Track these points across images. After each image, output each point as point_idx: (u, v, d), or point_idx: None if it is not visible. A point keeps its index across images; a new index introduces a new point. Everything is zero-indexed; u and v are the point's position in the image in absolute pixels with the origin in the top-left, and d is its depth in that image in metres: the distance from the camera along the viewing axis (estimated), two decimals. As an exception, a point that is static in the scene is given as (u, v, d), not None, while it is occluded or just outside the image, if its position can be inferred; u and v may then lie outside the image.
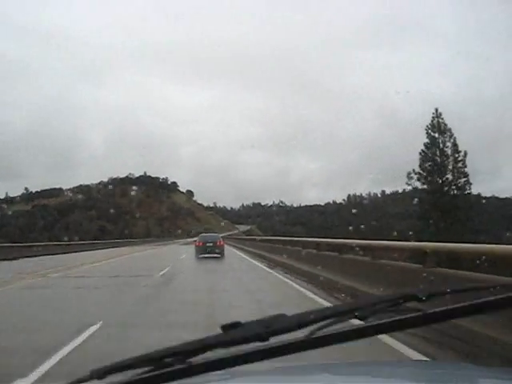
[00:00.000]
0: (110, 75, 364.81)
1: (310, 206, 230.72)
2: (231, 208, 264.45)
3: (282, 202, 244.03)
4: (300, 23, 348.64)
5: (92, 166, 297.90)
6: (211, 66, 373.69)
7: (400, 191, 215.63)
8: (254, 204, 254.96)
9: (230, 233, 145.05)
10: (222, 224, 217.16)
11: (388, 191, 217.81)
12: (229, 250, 39.31)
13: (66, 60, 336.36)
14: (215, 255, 29.33)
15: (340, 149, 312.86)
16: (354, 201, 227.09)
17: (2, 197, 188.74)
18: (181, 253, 37.96)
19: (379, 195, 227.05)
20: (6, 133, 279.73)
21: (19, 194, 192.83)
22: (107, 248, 58.21)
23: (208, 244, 29.85)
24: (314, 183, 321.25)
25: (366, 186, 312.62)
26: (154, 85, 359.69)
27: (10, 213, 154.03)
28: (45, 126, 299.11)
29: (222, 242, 31.10)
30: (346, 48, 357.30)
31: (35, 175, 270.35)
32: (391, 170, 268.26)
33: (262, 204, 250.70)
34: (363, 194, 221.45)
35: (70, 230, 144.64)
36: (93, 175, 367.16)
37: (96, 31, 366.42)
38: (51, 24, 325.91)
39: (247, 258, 31.64)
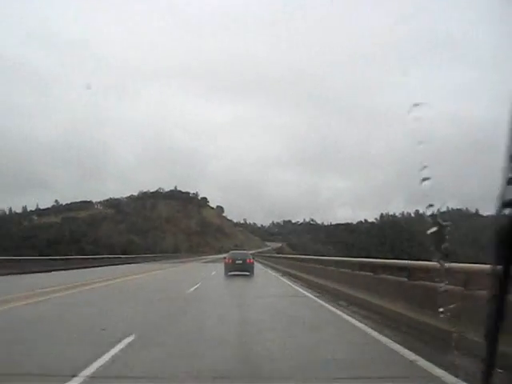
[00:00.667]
0: (142, 90, 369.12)
1: (342, 225, 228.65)
2: (261, 225, 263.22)
3: (312, 219, 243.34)
4: (331, 41, 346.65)
5: (122, 179, 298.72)
6: (244, 83, 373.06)
7: (435, 212, 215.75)
8: (284, 222, 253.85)
9: (260, 250, 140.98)
10: (252, 241, 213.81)
11: (422, 210, 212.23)
12: (260, 268, 37.63)
13: (98, 75, 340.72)
14: (244, 273, 28.56)
15: (371, 167, 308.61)
16: (387, 220, 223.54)
17: (33, 208, 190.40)
18: (206, 272, 33.80)
19: (413, 215, 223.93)
20: (38, 146, 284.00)
21: (50, 205, 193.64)
22: (131, 263, 55.00)
23: (237, 261, 29.19)
24: (345, 202, 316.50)
25: (399, 205, 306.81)
26: (185, 101, 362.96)
27: (38, 224, 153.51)
28: (76, 139, 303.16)
29: (251, 260, 30.37)
30: (378, 66, 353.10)
31: (66, 188, 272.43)
32: (425, 190, 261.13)
33: (293, 222, 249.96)
34: (396, 214, 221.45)
35: (99, 242, 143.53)
36: (123, 189, 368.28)
37: (128, 47, 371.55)
38: (84, 38, 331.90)
39: (283, 279, 28.05)
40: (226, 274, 28.44)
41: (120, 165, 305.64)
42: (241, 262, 29.09)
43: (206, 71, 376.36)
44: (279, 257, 56.96)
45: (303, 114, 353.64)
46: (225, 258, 31.63)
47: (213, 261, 67.13)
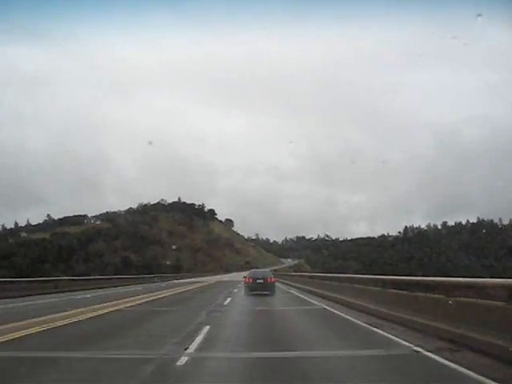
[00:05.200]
0: (139, 98, 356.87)
1: (363, 239, 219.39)
2: (274, 241, 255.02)
3: (327, 235, 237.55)
4: (345, 44, 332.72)
5: (121, 191, 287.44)
6: (256, 93, 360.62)
7: (464, 222, 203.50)
8: (297, 237, 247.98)
9: (276, 267, 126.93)
10: (266, 257, 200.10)
11: (450, 223, 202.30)
12: (283, 290, 34.84)
13: (93, 80, 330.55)
14: (265, 292, 27.74)
15: (390, 178, 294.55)
16: (411, 233, 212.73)
17: (23, 224, 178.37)
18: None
19: (439, 227, 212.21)
20: (29, 157, 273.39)
21: (41, 221, 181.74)
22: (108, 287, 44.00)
23: (258, 281, 28.63)
24: (362, 216, 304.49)
25: (423, 217, 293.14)
26: (191, 109, 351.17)
27: (23, 241, 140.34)
28: (70, 149, 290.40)
29: (273, 279, 29.90)
30: (396, 69, 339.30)
31: (59, 201, 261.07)
32: (452, 199, 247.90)
33: (307, 238, 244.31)
34: (422, 226, 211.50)
35: (90, 261, 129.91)
36: (122, 202, 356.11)
37: (126, 52, 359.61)
38: (81, 45, 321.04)
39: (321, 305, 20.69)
40: (246, 293, 28.12)
41: (119, 176, 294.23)
42: (262, 281, 28.62)
43: (215, 79, 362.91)
44: (300, 275, 49.14)
45: (319, 125, 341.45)
46: (245, 277, 31.17)
47: (218, 282, 55.60)
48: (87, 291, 34.94)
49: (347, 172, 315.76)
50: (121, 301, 22.12)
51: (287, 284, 45.06)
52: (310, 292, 29.66)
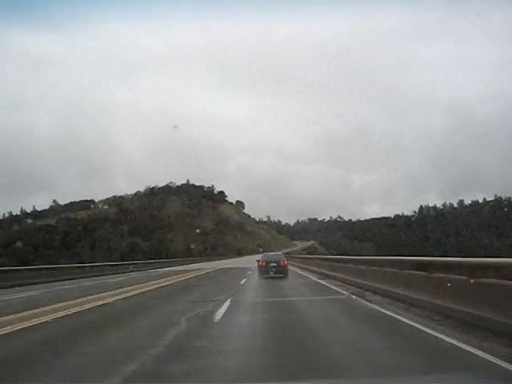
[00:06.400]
0: (147, 80, 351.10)
1: (378, 219, 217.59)
2: (286, 223, 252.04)
3: (340, 216, 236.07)
4: (356, 18, 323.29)
5: (129, 175, 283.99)
6: (261, 72, 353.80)
7: (480, 201, 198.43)
8: (309, 219, 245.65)
9: (289, 250, 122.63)
10: (278, 240, 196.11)
11: (467, 201, 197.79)
12: (299, 274, 32.22)
13: (99, 62, 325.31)
14: (279, 275, 27.69)
15: (403, 156, 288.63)
16: (427, 213, 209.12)
17: (30, 211, 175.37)
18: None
19: (456, 205, 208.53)
20: (34, 142, 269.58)
21: (47, 207, 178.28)
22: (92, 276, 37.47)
23: (271, 264, 29.18)
24: (376, 196, 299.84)
25: (439, 196, 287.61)
26: (200, 91, 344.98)
27: (27, 228, 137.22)
28: (77, 133, 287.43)
29: (286, 262, 30.20)
30: (409, 46, 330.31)
31: (67, 187, 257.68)
32: (467, 177, 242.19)
33: (319, 219, 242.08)
34: (437, 205, 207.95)
35: (96, 247, 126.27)
36: (130, 186, 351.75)
37: (134, 35, 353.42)
38: (88, 27, 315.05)
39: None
40: (259, 277, 28.71)
41: (127, 160, 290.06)
42: (275, 264, 29.26)
43: (226, 60, 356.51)
44: (316, 258, 44.49)
45: (331, 103, 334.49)
46: (258, 260, 31.57)
47: (229, 267, 47.86)
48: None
49: (359, 152, 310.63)
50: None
51: (302, 267, 41.16)
52: (328, 276, 26.29)
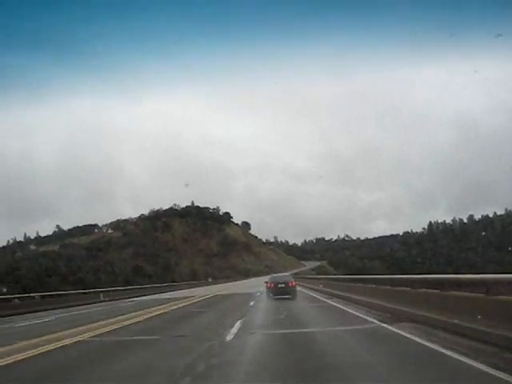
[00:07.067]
0: (150, 103, 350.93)
1: (386, 237, 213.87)
2: (294, 243, 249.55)
3: (347, 235, 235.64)
4: (361, 39, 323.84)
5: (133, 199, 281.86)
6: (265, 92, 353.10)
7: (491, 215, 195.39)
8: (317, 239, 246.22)
9: (297, 270, 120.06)
10: (286, 260, 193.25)
11: (477, 216, 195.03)
12: (312, 298, 30.25)
13: (101, 86, 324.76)
14: (287, 296, 28.56)
15: (410, 173, 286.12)
16: (436, 229, 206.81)
17: (33, 236, 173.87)
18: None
19: (465, 220, 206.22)
20: (37, 166, 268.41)
21: (51, 232, 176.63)
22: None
23: (280, 285, 30.06)
24: (383, 213, 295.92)
25: (447, 212, 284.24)
26: (204, 113, 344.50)
27: (30, 254, 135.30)
28: (80, 158, 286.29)
29: (293, 283, 31.00)
30: (412, 61, 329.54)
31: (70, 212, 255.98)
32: (476, 191, 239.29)
33: (326, 239, 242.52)
34: (447, 221, 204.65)
35: (100, 272, 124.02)
36: (134, 209, 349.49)
37: (136, 57, 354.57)
38: (87, 51, 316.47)
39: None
40: (268, 297, 29.60)
41: (131, 183, 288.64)
42: (283, 285, 30.06)
43: (229, 81, 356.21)
44: (327, 278, 44.70)
45: (336, 122, 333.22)
46: (266, 282, 32.22)
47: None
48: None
49: (366, 169, 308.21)
50: None
51: (314, 289, 38.75)
52: (344, 298, 24.34)
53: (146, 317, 19.34)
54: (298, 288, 33.53)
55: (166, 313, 21.89)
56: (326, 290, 33.72)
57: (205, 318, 18.53)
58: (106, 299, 40.02)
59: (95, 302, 36.36)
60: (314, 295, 32.21)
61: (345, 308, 19.56)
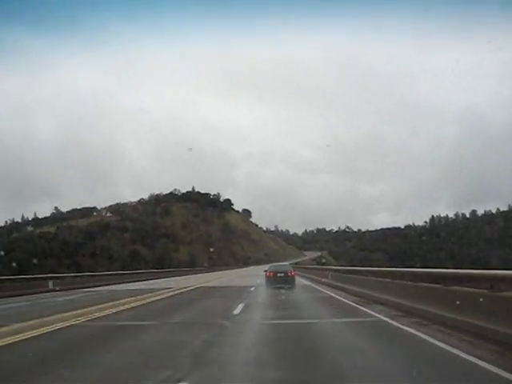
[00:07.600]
0: (153, 88, 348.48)
1: (388, 229, 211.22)
2: (294, 233, 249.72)
3: (348, 227, 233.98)
4: (368, 30, 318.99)
5: (134, 183, 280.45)
6: (269, 80, 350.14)
7: (494, 211, 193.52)
8: (318, 230, 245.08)
9: (297, 260, 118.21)
10: (286, 249, 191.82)
11: (480, 211, 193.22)
12: (313, 289, 28.80)
13: (104, 68, 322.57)
14: (286, 285, 28.59)
15: (414, 166, 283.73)
16: (438, 223, 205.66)
17: (31, 217, 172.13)
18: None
19: (468, 215, 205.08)
20: (37, 147, 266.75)
21: (49, 214, 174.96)
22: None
23: (279, 274, 30.42)
24: (386, 206, 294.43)
25: (450, 206, 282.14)
26: (207, 99, 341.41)
27: (25, 235, 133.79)
28: (81, 140, 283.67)
29: (293, 273, 31.48)
30: (419, 54, 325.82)
31: (69, 194, 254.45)
32: (480, 186, 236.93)
33: (327, 229, 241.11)
34: (449, 215, 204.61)
35: (97, 256, 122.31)
36: (135, 193, 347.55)
37: (142, 41, 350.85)
38: (92, 32, 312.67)
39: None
40: (267, 286, 29.57)
41: (132, 167, 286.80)
42: (282, 274, 30.27)
43: (234, 69, 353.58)
44: (337, 270, 36.74)
45: (340, 112, 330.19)
46: (265, 271, 32.43)
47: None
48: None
49: (369, 161, 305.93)
50: None
51: (315, 280, 37.37)
52: (346, 291, 23.73)
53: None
54: (307, 282, 34.87)
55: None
56: (326, 281, 31.83)
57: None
58: (57, 288, 31.79)
59: (38, 293, 28.72)
60: (315, 286, 30.73)
61: (347, 301, 18.39)
